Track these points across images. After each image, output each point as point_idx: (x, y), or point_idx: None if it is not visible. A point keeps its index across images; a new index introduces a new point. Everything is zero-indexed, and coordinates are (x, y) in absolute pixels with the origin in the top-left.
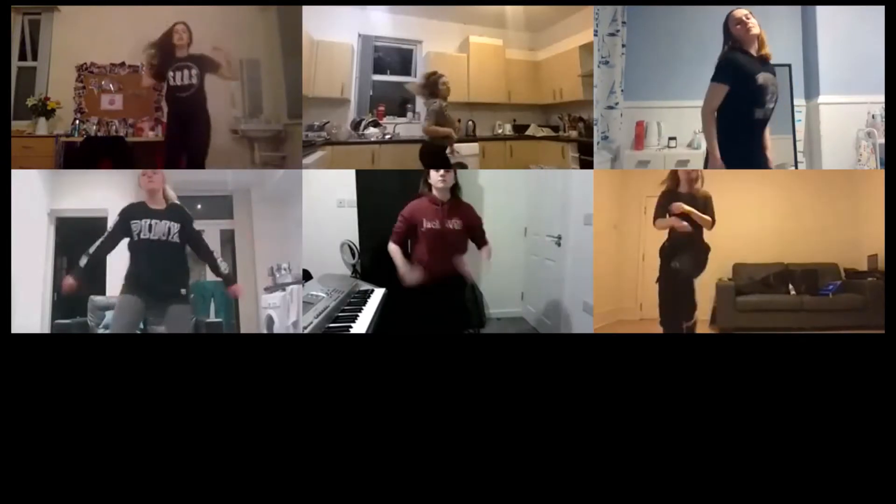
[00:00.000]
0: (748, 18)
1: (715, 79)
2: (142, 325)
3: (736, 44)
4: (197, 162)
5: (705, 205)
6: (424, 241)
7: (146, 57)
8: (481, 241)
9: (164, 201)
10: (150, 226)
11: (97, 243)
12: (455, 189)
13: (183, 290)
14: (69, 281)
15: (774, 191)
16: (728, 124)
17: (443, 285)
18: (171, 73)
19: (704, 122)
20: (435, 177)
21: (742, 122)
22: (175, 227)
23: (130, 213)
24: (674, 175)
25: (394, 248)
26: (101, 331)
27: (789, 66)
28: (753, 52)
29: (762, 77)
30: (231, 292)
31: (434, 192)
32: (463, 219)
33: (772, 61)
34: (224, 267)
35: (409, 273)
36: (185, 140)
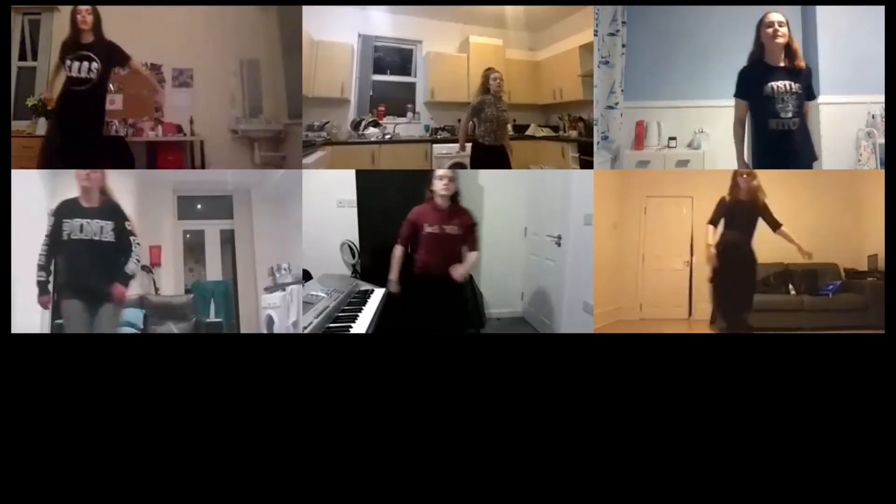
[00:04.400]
0: (780, 26)
1: (735, 94)
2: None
3: (759, 51)
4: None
5: (757, 211)
6: (425, 244)
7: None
8: (472, 246)
9: (99, 199)
10: (81, 226)
11: (42, 254)
12: (455, 196)
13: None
14: (45, 300)
15: (774, 191)
16: (754, 135)
17: (440, 284)
18: (68, 62)
19: (734, 133)
20: (438, 185)
21: (763, 133)
22: (108, 225)
23: (62, 212)
24: (734, 183)
25: (398, 252)
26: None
27: None
28: (776, 61)
29: (769, 87)
30: (114, 290)
31: (436, 198)
32: (460, 223)
33: (803, 65)
34: (131, 267)
35: (393, 284)
36: (68, 140)
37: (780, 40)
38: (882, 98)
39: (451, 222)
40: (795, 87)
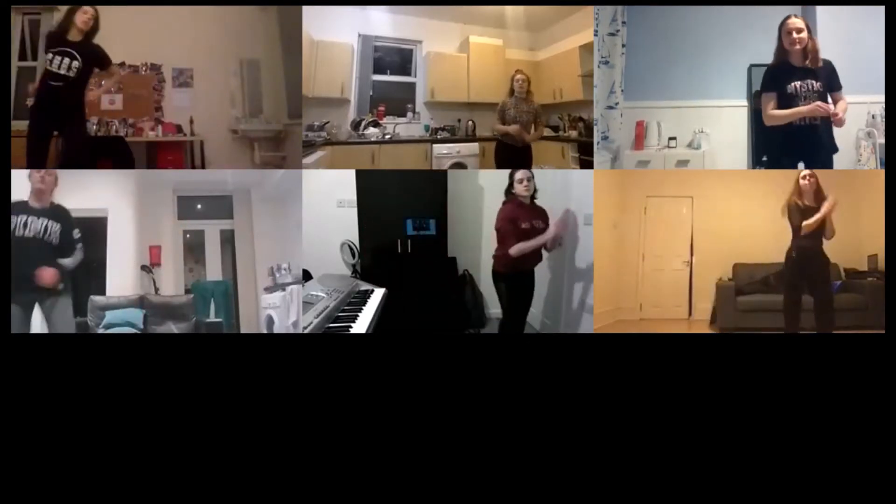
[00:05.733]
0: (799, 33)
1: (762, 89)
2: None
3: (782, 54)
4: (73, 161)
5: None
6: (520, 239)
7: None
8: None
9: (49, 202)
10: (26, 223)
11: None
12: (534, 194)
13: (60, 285)
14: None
15: (774, 190)
16: (777, 131)
17: (525, 276)
18: (49, 55)
19: (775, 121)
20: (520, 188)
21: (788, 129)
22: (54, 226)
23: (11, 211)
24: (797, 187)
25: (518, 247)
26: (100, 331)
27: None
28: (798, 63)
29: (792, 87)
30: (42, 273)
31: (519, 198)
32: (543, 220)
33: (821, 64)
34: (68, 262)
35: (551, 238)
36: (55, 136)
37: (798, 47)
38: (882, 98)
39: (538, 218)
40: (817, 85)
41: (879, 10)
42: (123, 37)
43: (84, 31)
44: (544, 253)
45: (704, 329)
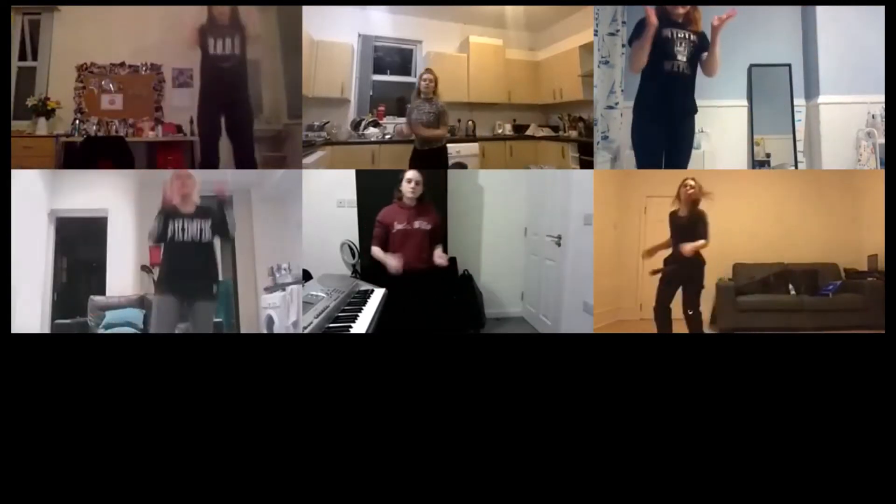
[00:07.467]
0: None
1: (631, 38)
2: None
3: (662, 11)
4: (248, 157)
5: (697, 224)
6: (396, 241)
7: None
8: (437, 241)
9: (195, 204)
10: (184, 229)
11: (156, 229)
12: (423, 197)
13: (214, 287)
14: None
15: (774, 191)
16: (644, 77)
17: (418, 278)
18: (210, 41)
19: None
20: (406, 188)
21: (659, 74)
22: (206, 224)
23: (167, 214)
24: (676, 198)
25: (376, 251)
26: (100, 331)
27: (789, 66)
28: (675, 18)
29: (667, 31)
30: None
31: (405, 199)
32: (428, 219)
33: (700, 29)
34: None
35: (392, 261)
36: (226, 128)
37: (681, 10)
38: (882, 98)
39: (420, 218)
40: (693, 37)
41: (879, 10)
42: (124, 37)
43: (228, 14)
44: (440, 260)
45: (704, 329)
